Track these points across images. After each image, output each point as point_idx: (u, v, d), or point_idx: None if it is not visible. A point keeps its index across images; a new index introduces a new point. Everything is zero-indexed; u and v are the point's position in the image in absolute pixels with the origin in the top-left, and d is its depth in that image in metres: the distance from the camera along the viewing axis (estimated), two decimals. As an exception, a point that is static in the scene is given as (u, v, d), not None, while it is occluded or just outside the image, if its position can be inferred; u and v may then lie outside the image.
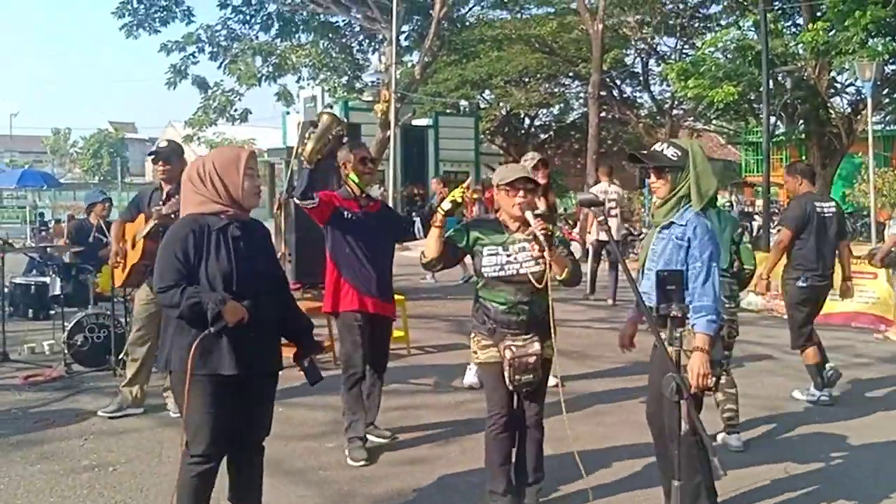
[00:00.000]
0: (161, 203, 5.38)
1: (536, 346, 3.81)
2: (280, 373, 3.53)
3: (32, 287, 9.34)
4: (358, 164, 4.90)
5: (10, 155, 63.78)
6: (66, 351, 6.74)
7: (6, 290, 8.24)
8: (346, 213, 4.81)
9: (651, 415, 3.85)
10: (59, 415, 5.61)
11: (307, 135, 4.87)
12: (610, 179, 11.60)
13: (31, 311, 9.18)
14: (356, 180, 4.90)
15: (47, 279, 9.02)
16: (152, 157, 5.73)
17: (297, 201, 4.70)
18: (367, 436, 4.96)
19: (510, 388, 3.84)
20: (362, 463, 4.72)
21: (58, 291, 7.40)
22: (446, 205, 3.91)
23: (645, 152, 3.86)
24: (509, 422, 3.91)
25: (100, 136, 66.60)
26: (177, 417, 5.29)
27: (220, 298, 3.12)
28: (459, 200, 3.93)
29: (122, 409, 5.56)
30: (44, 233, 21.10)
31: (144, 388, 5.66)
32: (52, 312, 8.23)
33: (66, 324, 6.86)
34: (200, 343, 3.13)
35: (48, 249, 9.68)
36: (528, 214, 3.72)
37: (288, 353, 3.39)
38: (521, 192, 3.81)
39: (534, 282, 3.77)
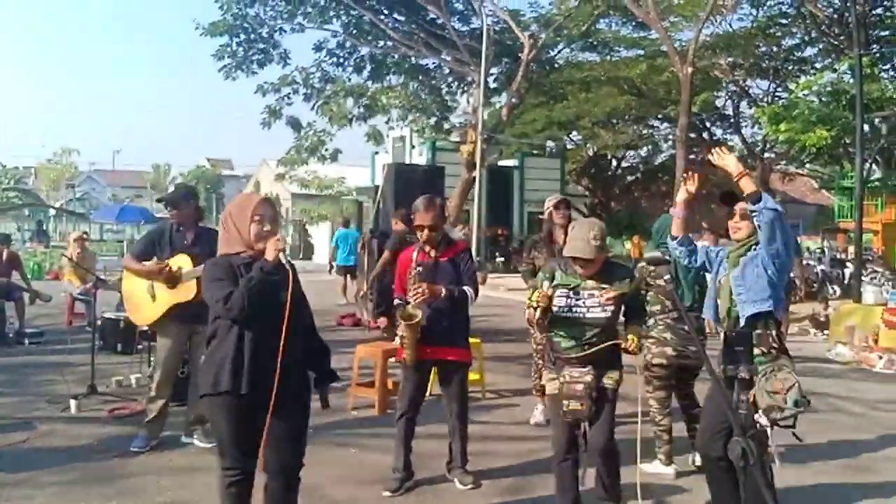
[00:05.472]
0: (185, 243, 5.68)
1: (588, 378, 4.02)
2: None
3: (121, 322, 9.65)
4: (415, 227, 5.13)
5: (113, 189, 66.94)
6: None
7: (98, 323, 8.56)
8: (414, 268, 5.03)
9: (702, 447, 4.12)
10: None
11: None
12: None
13: (119, 345, 9.42)
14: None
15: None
16: (162, 202, 6.02)
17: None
18: (455, 479, 5.09)
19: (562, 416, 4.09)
20: (388, 494, 4.88)
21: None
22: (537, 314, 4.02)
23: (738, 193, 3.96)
24: (570, 449, 4.15)
25: (197, 173, 69.22)
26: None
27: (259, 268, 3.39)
28: (545, 305, 4.02)
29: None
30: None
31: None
32: (140, 347, 8.47)
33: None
34: (215, 364, 3.42)
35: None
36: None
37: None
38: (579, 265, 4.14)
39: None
